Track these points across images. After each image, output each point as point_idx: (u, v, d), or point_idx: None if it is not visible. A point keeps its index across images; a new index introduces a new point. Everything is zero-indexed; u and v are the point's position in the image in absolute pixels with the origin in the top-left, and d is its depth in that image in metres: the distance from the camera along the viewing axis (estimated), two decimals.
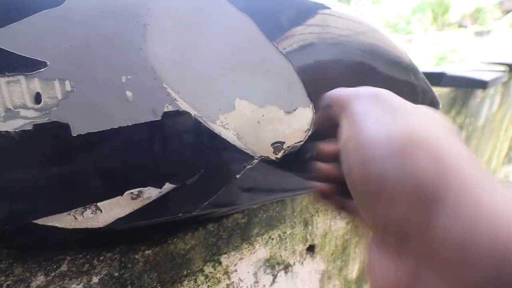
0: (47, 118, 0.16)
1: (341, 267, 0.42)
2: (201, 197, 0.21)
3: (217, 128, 0.19)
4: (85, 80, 0.16)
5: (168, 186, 0.19)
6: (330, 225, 0.37)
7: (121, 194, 0.19)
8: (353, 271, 0.73)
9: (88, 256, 0.21)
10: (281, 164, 0.23)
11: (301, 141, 0.24)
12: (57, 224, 0.19)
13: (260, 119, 0.21)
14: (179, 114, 0.18)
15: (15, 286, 0.18)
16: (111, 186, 0.18)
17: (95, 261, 0.20)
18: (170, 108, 0.18)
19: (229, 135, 0.20)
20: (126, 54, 0.17)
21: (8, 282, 0.19)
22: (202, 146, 0.19)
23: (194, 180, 0.20)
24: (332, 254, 0.39)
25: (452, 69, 0.84)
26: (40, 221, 0.18)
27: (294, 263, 0.34)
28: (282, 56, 0.22)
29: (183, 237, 0.23)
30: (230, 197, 0.23)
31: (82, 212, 0.19)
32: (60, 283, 0.18)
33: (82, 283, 0.19)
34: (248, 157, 0.21)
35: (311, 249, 0.36)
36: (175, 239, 0.22)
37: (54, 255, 0.21)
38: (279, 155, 0.23)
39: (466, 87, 0.84)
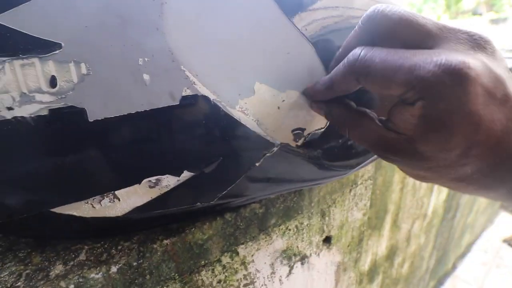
0: (63, 103, 0.15)
1: (356, 259, 0.41)
2: (220, 186, 0.21)
3: (236, 113, 0.19)
4: (101, 63, 0.16)
5: (186, 174, 0.19)
6: (347, 217, 0.36)
7: (139, 182, 0.18)
8: (365, 263, 0.73)
9: (106, 246, 0.20)
10: (301, 152, 0.23)
11: (322, 128, 0.23)
12: (74, 213, 0.18)
13: (281, 105, 0.20)
14: (197, 98, 0.17)
15: (35, 275, 0.18)
16: (129, 174, 0.18)
17: (113, 251, 0.20)
18: (188, 92, 0.17)
19: (248, 121, 0.19)
20: (143, 35, 0.16)
21: (27, 271, 0.18)
22: (221, 132, 0.19)
23: (213, 168, 0.19)
24: (348, 246, 0.39)
25: None
26: (58, 210, 0.18)
27: (310, 255, 0.33)
28: (304, 38, 0.20)
29: (201, 227, 0.22)
30: (249, 186, 0.22)
31: (100, 201, 0.18)
32: (79, 272, 0.18)
33: (101, 272, 0.19)
34: (268, 144, 0.20)
35: (327, 240, 0.35)
36: (193, 229, 0.22)
37: (72, 244, 0.21)
38: (300, 142, 0.22)
39: None
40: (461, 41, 0.15)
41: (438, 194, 0.89)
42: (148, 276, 0.21)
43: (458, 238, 1.24)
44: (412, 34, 0.15)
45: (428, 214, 0.90)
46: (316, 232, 0.33)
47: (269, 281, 0.30)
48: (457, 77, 0.13)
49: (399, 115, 0.16)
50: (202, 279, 0.24)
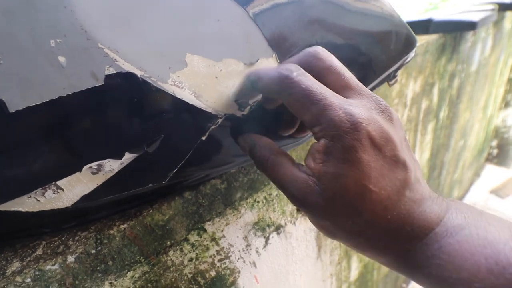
0: None
1: None
2: (168, 164, 0.20)
3: (169, 88, 0.18)
4: (10, 50, 0.15)
5: (128, 156, 0.19)
6: None
7: (79, 170, 0.18)
8: None
9: (63, 238, 0.20)
10: (250, 121, 0.22)
11: None
12: (20, 209, 0.18)
13: (218, 74, 0.20)
14: (122, 76, 0.17)
15: None
16: (65, 163, 0.17)
17: (70, 242, 0.20)
18: (111, 70, 0.16)
19: (185, 95, 0.19)
20: (51, 16, 0.15)
21: None
22: (156, 109, 0.18)
23: (156, 147, 0.19)
24: None
25: (439, 15, 0.81)
26: (1, 207, 0.18)
27: (285, 224, 0.34)
28: (233, 3, 0.20)
29: (159, 208, 0.22)
30: (201, 162, 0.22)
31: (43, 193, 0.18)
32: (35, 266, 0.18)
33: (57, 263, 0.19)
34: (211, 116, 0.20)
35: None
36: (151, 211, 0.22)
37: (30, 241, 0.21)
38: (246, 111, 0.22)
39: (455, 31, 0.80)
40: (369, 101, 0.17)
41: (421, 154, 0.90)
42: (110, 262, 0.21)
43: (447, 194, 1.28)
44: (335, 80, 0.18)
45: None
46: (288, 201, 0.33)
47: (245, 253, 0.30)
48: (355, 126, 0.15)
49: (309, 152, 0.17)
50: (171, 259, 0.24)
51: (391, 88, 0.64)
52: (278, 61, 0.22)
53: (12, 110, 0.15)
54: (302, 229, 0.36)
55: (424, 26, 0.78)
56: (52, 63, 0.15)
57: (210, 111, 0.20)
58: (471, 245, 0.15)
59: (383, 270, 0.97)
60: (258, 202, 0.29)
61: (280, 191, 0.31)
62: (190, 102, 0.19)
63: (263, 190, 0.29)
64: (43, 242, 0.20)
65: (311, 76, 0.17)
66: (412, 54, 0.30)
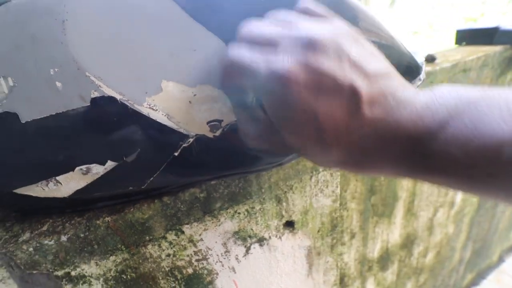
0: (0, 110, 0.20)
1: (332, 245, 0.42)
2: (145, 173, 0.24)
3: (144, 110, 0.21)
4: (22, 76, 0.19)
5: (110, 164, 0.22)
6: (311, 202, 0.36)
7: (72, 170, 0.22)
8: (374, 250, 0.71)
9: (64, 220, 0.25)
10: (224, 141, 0.24)
11: None
12: (31, 193, 0.23)
13: (192, 99, 0.22)
14: (105, 99, 0.20)
15: (10, 239, 0.24)
16: (61, 163, 0.22)
17: (67, 224, 0.25)
18: (96, 94, 0.20)
19: (158, 116, 0.22)
20: (51, 49, 0.19)
21: (6, 237, 0.24)
22: (133, 127, 0.21)
23: (134, 158, 0.22)
24: (318, 231, 0.39)
25: (509, 23, 0.69)
26: (19, 191, 0.23)
27: (269, 237, 0.35)
28: (211, 34, 0.22)
29: (140, 207, 0.26)
30: (176, 173, 0.25)
31: (47, 184, 0.23)
32: (37, 239, 0.23)
33: (53, 240, 0.23)
34: (183, 136, 0.23)
35: (289, 224, 0.36)
36: (132, 209, 0.25)
37: (42, 218, 0.26)
38: (218, 133, 0.24)
39: None
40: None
41: None
42: (96, 246, 0.25)
43: (504, 229, 1.11)
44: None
45: (456, 202, 0.82)
46: (273, 217, 0.34)
47: (224, 258, 0.32)
48: (282, 82, 0.16)
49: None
50: (149, 252, 0.28)
51: None
52: None
53: (23, 121, 0.20)
54: (290, 244, 0.37)
55: (488, 36, 0.68)
56: (51, 87, 0.20)
57: (182, 131, 0.22)
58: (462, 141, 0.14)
59: None
60: (239, 213, 0.31)
61: (263, 206, 0.33)
62: (163, 123, 0.22)
63: (245, 203, 0.31)
64: (50, 220, 0.26)
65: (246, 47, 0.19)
66: (417, 82, 0.28)
